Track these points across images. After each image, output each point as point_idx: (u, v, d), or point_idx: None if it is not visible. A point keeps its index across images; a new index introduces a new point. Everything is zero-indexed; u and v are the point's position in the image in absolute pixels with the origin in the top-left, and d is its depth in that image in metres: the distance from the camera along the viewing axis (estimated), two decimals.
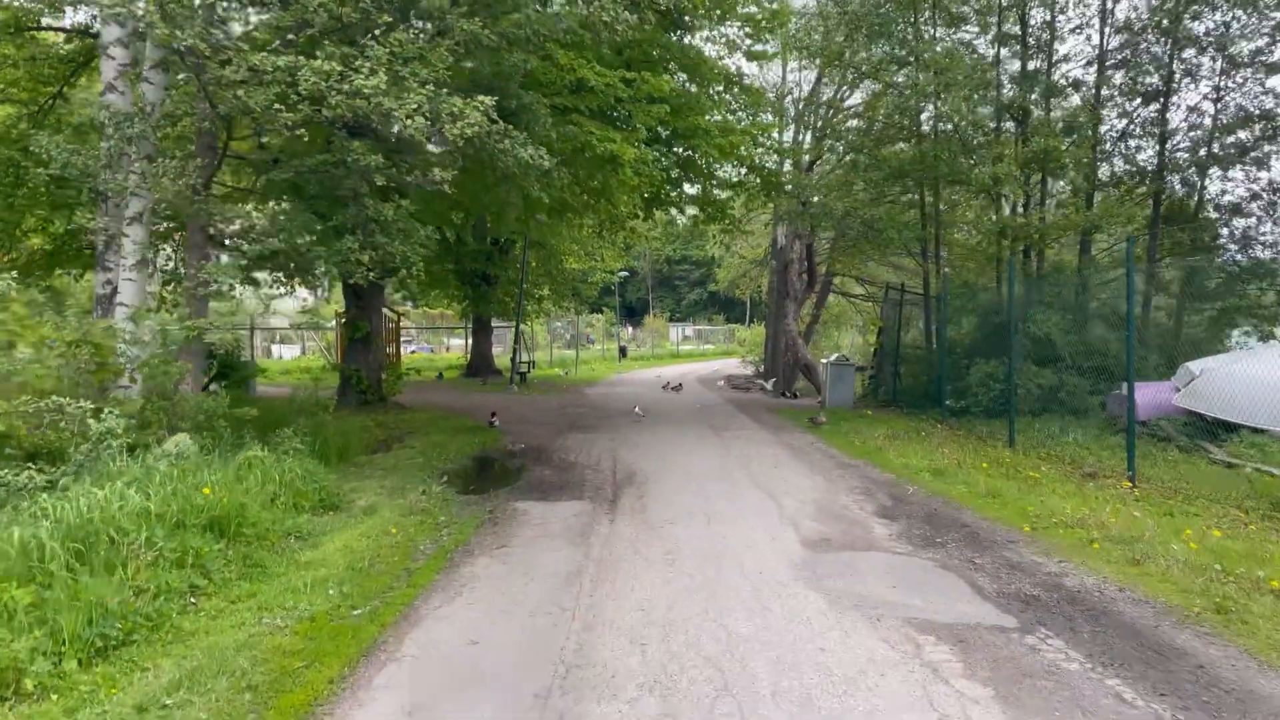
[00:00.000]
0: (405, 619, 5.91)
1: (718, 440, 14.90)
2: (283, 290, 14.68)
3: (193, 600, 6.12)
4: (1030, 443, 13.94)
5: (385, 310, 35.12)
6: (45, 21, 14.60)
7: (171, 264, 13.56)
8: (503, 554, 7.53)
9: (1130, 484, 10.39)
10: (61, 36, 16.20)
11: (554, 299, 33.04)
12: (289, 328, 48.94)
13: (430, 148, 10.75)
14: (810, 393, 31.08)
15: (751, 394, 27.76)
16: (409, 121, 8.90)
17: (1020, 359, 15.96)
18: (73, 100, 16.22)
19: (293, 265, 10.69)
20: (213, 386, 18.45)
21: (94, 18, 13.68)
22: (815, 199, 19.63)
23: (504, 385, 27.07)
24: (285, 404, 13.57)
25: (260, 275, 12.52)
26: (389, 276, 13.46)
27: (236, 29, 11.28)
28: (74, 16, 15.74)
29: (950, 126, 19.91)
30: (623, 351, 49.03)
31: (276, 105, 9.10)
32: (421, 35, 9.81)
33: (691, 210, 21.58)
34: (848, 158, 21.84)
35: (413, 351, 51.41)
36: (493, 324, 33.55)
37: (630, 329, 70.43)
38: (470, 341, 34.20)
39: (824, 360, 22.50)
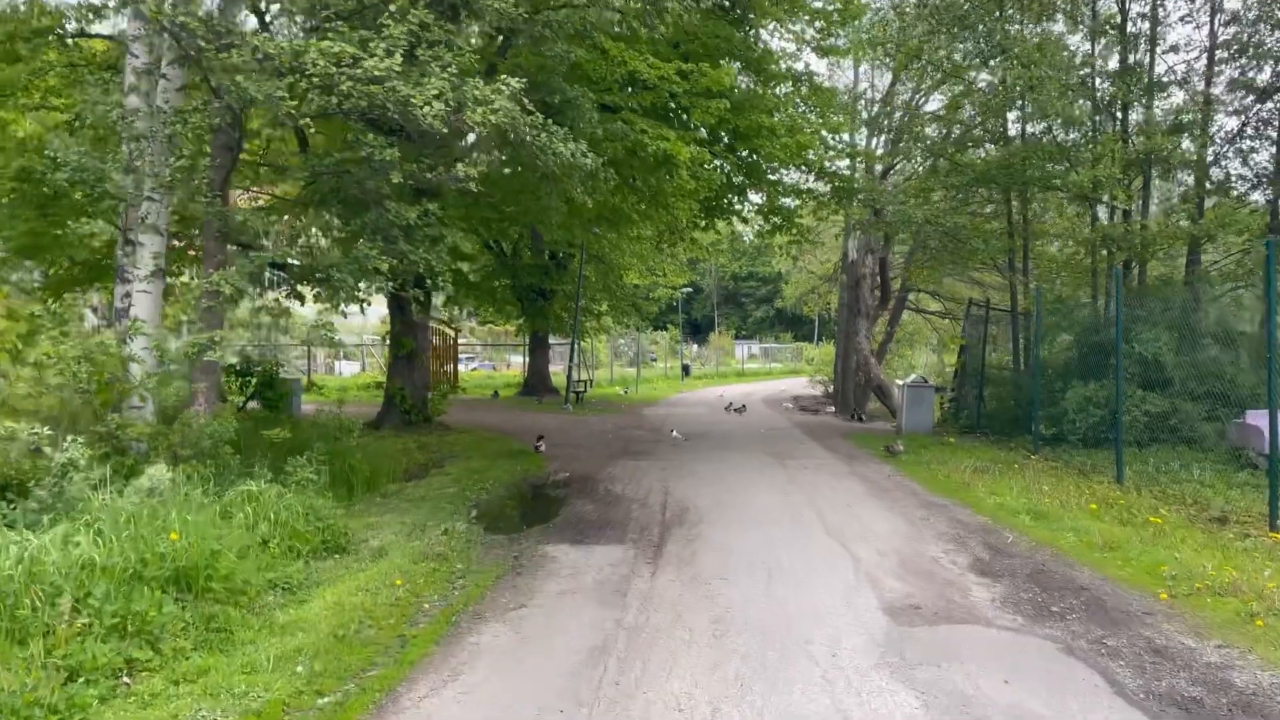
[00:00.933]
0: (377, 715, 4.65)
1: (783, 471, 13.45)
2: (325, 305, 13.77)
3: (126, 681, 4.95)
4: (1141, 479, 12.23)
5: (440, 326, 34.48)
6: (82, 27, 13.91)
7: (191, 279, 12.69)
8: (518, 618, 6.24)
9: (1278, 535, 8.70)
10: (101, 44, 15.58)
11: (613, 315, 31.83)
12: (351, 345, 48.74)
13: (461, 143, 9.63)
14: (882, 415, 29.37)
15: (820, 416, 26.19)
16: (426, 109, 7.74)
17: (1123, 382, 14.24)
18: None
19: (306, 274, 9.61)
20: (251, 405, 17.71)
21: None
22: (891, 207, 18.08)
23: (560, 404, 25.93)
24: (322, 425, 12.48)
25: (281, 287, 11.46)
26: (415, 287, 12.31)
27: (251, 21, 10.36)
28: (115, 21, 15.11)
29: (1041, 127, 18.24)
30: (685, 370, 47.71)
31: (281, 93, 8.04)
32: (446, 16, 8.67)
33: (756, 220, 20.21)
34: (926, 163, 20.25)
35: (473, 369, 50.80)
36: (550, 341, 32.50)
37: (695, 346, 69.10)
38: (527, 359, 33.19)
39: (900, 381, 20.86)
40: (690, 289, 61.88)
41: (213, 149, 10.61)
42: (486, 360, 55.12)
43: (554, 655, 5.47)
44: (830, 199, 18.92)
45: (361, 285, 9.14)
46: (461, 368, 50.02)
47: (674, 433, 18.38)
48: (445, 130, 8.12)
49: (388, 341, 20.42)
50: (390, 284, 9.14)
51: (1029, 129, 19.06)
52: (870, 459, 15.12)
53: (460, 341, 55.16)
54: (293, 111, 8.06)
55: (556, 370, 36.70)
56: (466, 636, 5.85)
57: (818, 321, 71.82)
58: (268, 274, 10.98)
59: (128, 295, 10.75)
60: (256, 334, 49.03)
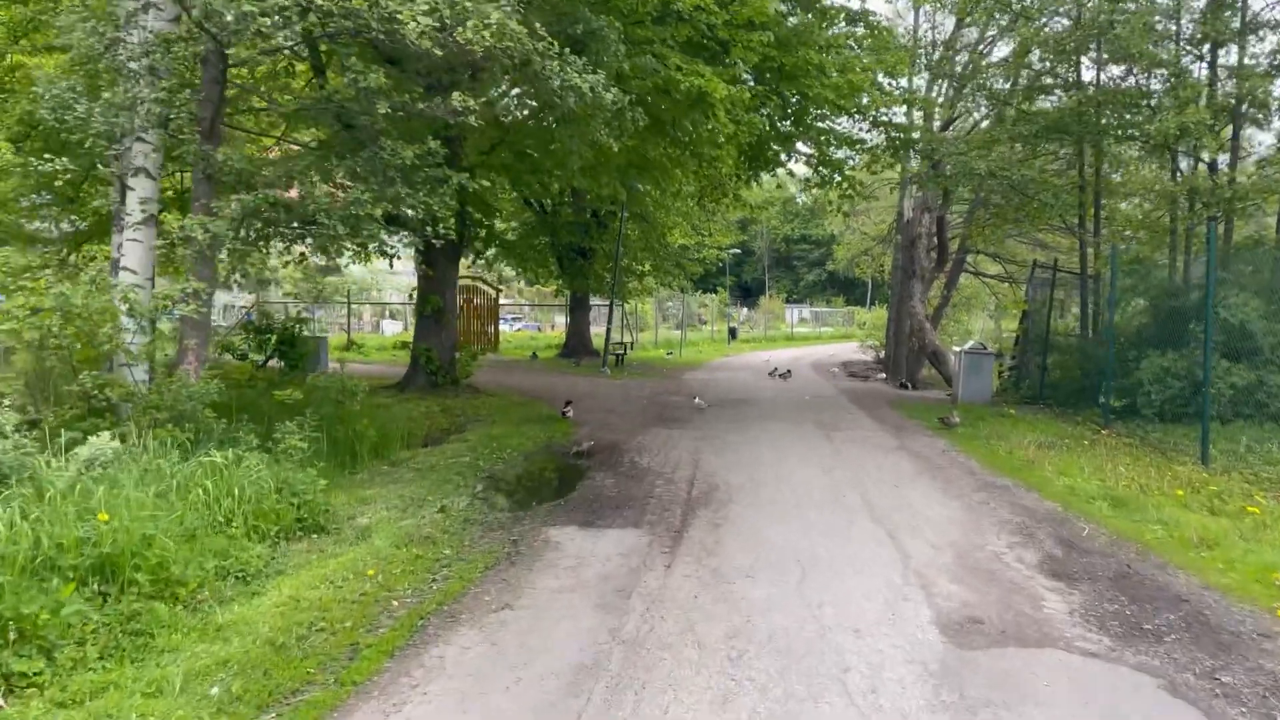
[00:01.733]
0: None
1: (827, 444, 12.32)
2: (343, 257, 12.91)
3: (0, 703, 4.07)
4: (1229, 459, 10.91)
5: (480, 284, 33.65)
6: None
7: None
8: (498, 623, 5.27)
9: None
10: None
11: (656, 275, 30.66)
12: (396, 303, 48.27)
13: (467, 75, 8.56)
14: (935, 383, 27.96)
15: (870, 383, 24.91)
16: (413, 25, 6.68)
17: (1211, 352, 12.84)
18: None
19: (293, 220, 8.65)
20: (272, 364, 16.99)
21: None
22: (952, 159, 16.62)
23: (598, 368, 24.95)
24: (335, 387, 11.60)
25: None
26: (414, 233, 11.34)
27: None
28: None
29: (1119, 71, 16.63)
30: (732, 333, 46.48)
31: (250, 6, 7.03)
32: None
33: (804, 173, 18.87)
34: (992, 113, 18.69)
35: (518, 329, 50.07)
36: (593, 302, 31.49)
37: (744, 310, 67.67)
38: (567, 320, 32.24)
39: (957, 348, 19.49)
40: (739, 250, 60.37)
41: (202, 83, 9.68)
42: (532, 321, 54.40)
43: (529, 678, 4.49)
44: (885, 150, 17.49)
45: (335, 229, 8.11)
46: (506, 328, 49.43)
47: (697, 399, 17.31)
48: (439, 53, 7.04)
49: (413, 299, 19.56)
50: (382, 230, 8.12)
51: (1103, 75, 17.46)
52: (922, 431, 13.90)
53: (506, 302, 54.72)
54: (264, 28, 7.05)
55: (599, 332, 35.74)
56: (430, 647, 4.89)
57: (870, 285, 69.97)
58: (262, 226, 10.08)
59: (121, 245, 9.96)
60: (298, 289, 48.96)
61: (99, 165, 11.06)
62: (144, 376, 9.46)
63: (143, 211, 9.73)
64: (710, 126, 10.96)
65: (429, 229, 9.29)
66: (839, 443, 12.41)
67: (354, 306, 47.02)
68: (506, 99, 8.74)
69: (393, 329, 44.95)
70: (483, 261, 30.81)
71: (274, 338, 16.23)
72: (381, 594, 5.74)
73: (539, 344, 35.45)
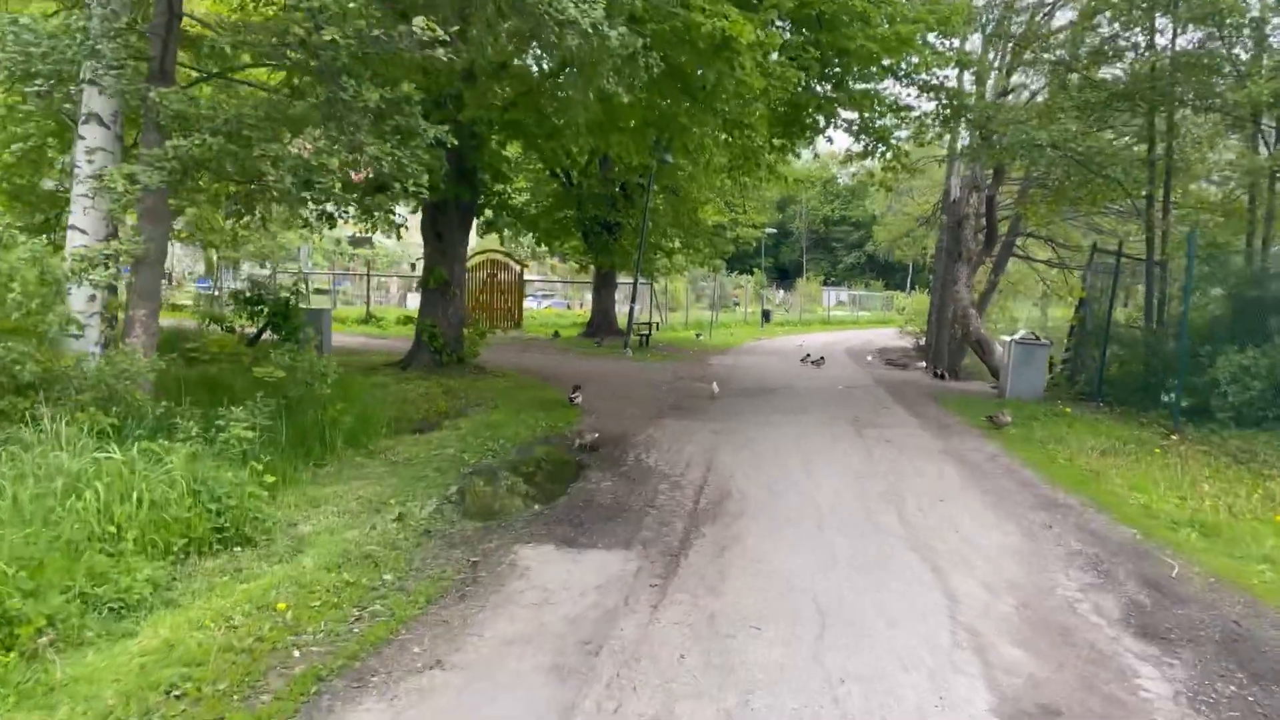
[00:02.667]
0: None
1: (860, 444, 10.94)
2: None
3: None
4: None
5: (504, 258, 32.44)
6: None
7: None
8: (419, 690, 4.02)
9: None
10: None
11: (686, 252, 29.23)
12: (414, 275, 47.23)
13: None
14: (978, 373, 26.37)
15: (909, 373, 23.42)
16: None
17: None
18: None
19: (237, 172, 7.43)
20: (266, 337, 15.90)
21: None
22: (1011, 129, 15.03)
23: (620, 348, 23.66)
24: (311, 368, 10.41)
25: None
26: (381, 194, 10.11)
27: None
28: None
29: (1199, 36, 14.95)
30: (766, 315, 44.96)
31: None
32: None
33: (844, 144, 17.37)
34: (1051, 81, 17.04)
35: (547, 306, 48.91)
36: (620, 279, 30.18)
37: (781, 291, 66.01)
38: (592, 297, 30.97)
39: (1006, 338, 17.96)
40: (776, 231, 58.64)
41: (155, 13, 8.47)
42: (563, 298, 53.21)
43: None
44: (935, 120, 15.94)
45: (284, 181, 6.84)
46: (534, 304, 48.30)
47: (714, 386, 16.00)
48: None
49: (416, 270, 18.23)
50: (335, 185, 6.85)
51: (1180, 39, 15.78)
52: (969, 431, 12.47)
53: (536, 278, 53.55)
54: None
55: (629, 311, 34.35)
56: None
57: (910, 269, 68.09)
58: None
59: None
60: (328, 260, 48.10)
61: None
62: (94, 350, 8.37)
63: (90, 163, 8.56)
64: (736, 79, 9.57)
65: (398, 185, 7.95)
66: (874, 443, 11.03)
67: (382, 280, 46.18)
68: (495, 32, 7.41)
69: (417, 303, 43.94)
70: (507, 234, 29.67)
71: (266, 310, 15.11)
72: (284, 638, 4.52)
73: (565, 321, 34.27)
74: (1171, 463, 10.23)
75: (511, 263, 31.72)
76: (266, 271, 43.82)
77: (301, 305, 17.04)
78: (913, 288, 66.23)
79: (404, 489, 7.78)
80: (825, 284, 70.31)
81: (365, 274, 37.27)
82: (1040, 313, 43.00)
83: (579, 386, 13.61)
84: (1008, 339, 17.64)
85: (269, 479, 7.27)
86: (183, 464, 6.12)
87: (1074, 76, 16.15)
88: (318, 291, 43.82)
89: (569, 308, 48.02)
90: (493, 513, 7.31)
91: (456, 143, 8.13)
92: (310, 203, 7.48)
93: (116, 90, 8.22)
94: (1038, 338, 17.37)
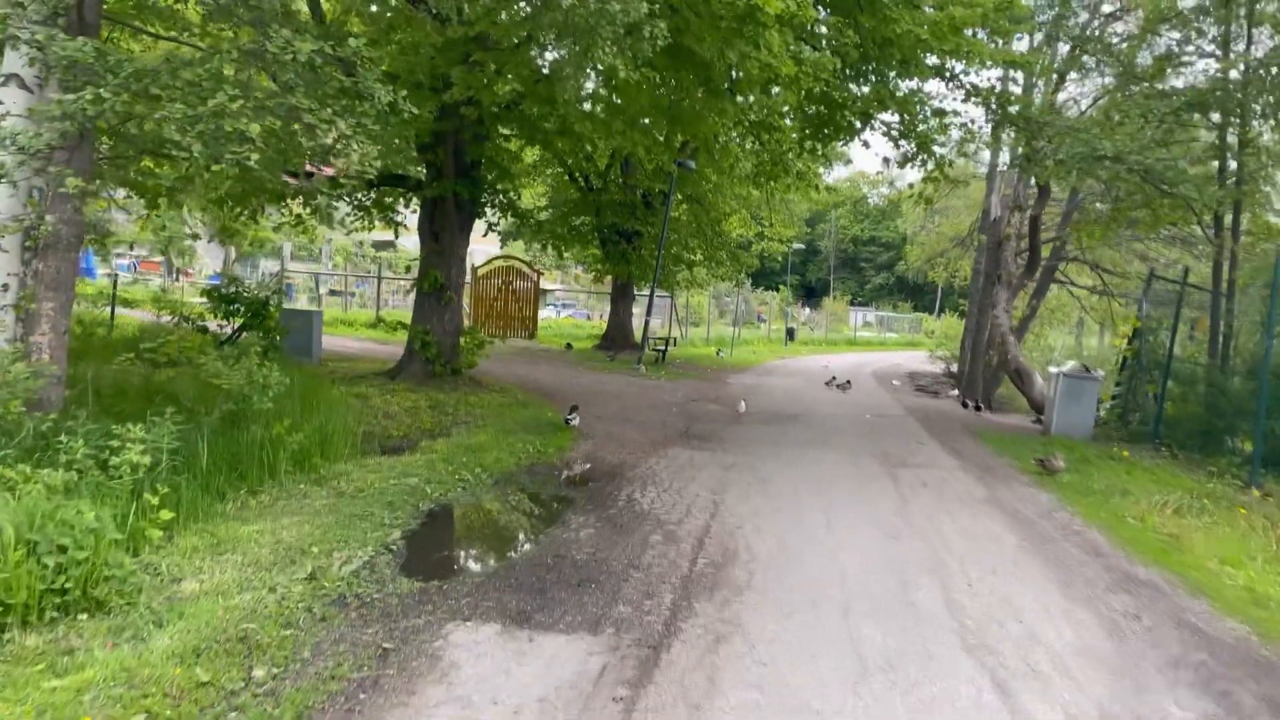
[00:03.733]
0: None
1: (892, 489, 9.44)
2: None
3: None
4: None
5: (519, 264, 31.14)
6: None
7: None
8: None
9: None
10: None
11: (708, 265, 27.77)
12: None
13: None
14: (1014, 403, 24.74)
15: (941, 401, 21.84)
16: None
17: None
18: None
19: (143, 137, 6.10)
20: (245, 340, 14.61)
21: None
22: (1068, 139, 13.48)
23: (633, 363, 22.22)
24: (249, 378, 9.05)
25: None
26: (315, 183, 8.78)
27: None
28: None
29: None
30: (790, 334, 43.42)
31: None
32: None
33: (882, 152, 15.89)
34: (1113, 87, 15.48)
35: (565, 315, 47.57)
36: (637, 292, 28.79)
37: (806, 310, 64.42)
38: (610, 309, 29.58)
39: (1054, 369, 16.38)
40: (804, 247, 57.12)
41: None
42: (583, 308, 51.89)
43: None
44: (983, 125, 14.42)
45: (194, 155, 5.47)
46: (554, 314, 46.98)
47: (741, 404, 14.61)
48: None
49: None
50: (251, 158, 5.47)
51: (1254, 48, 14.23)
52: (1016, 476, 10.93)
53: (556, 287, 52.26)
54: None
55: (654, 323, 32.84)
56: None
57: (939, 292, 66.32)
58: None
59: None
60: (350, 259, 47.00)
61: None
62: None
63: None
64: (761, 62, 8.15)
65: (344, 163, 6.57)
66: (908, 488, 9.52)
67: (402, 283, 45.03)
68: None
69: None
70: (522, 241, 28.38)
71: (242, 310, 13.84)
72: None
73: (581, 333, 32.90)
74: (1258, 524, 8.68)
75: (528, 270, 30.47)
76: (274, 267, 42.97)
77: (294, 307, 15.88)
78: (942, 311, 64.44)
79: (338, 531, 6.39)
80: (852, 304, 68.61)
81: (376, 276, 36.06)
82: (1076, 341, 41.23)
83: (576, 407, 12.20)
84: (1054, 370, 16.07)
85: (164, 516, 5.92)
86: (36, 499, 4.77)
87: (1137, 85, 14.62)
88: (332, 293, 42.83)
89: (589, 318, 46.67)
90: (437, 569, 5.89)
91: (415, 111, 6.74)
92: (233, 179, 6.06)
93: (31, 42, 6.93)
94: (1088, 369, 15.77)
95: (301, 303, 40.22)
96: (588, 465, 9.28)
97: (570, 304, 53.73)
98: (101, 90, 5.58)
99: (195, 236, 16.76)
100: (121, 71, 5.85)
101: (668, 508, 7.89)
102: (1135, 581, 6.64)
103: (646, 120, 10.44)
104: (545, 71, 8.35)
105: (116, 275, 17.89)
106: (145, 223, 15.94)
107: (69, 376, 9.09)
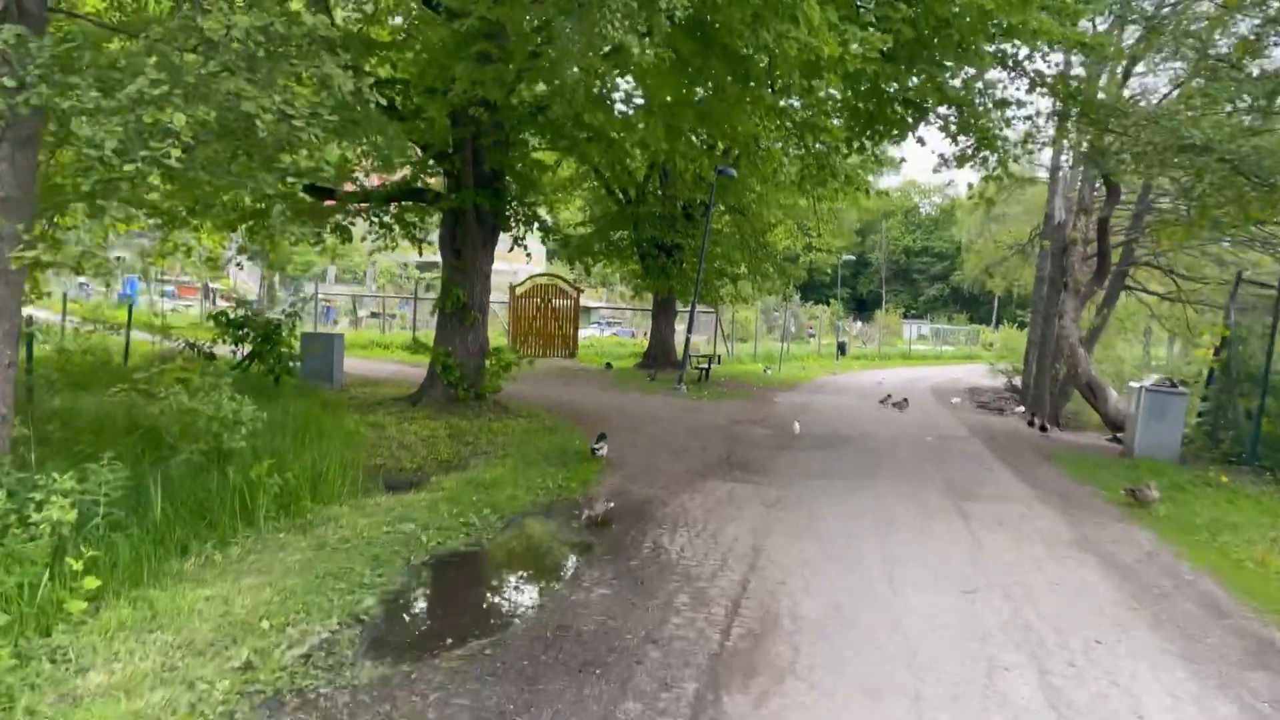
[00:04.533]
0: None
1: (962, 529, 8.19)
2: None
3: None
4: None
5: (557, 281, 30.24)
6: None
7: None
8: None
9: None
10: None
11: (752, 278, 26.57)
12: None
13: None
14: (1081, 417, 23.18)
15: (1005, 418, 20.41)
16: None
17: None
18: None
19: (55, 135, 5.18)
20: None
21: None
22: (1160, 124, 12.10)
23: (674, 383, 21.09)
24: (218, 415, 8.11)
25: None
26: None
27: None
28: None
29: None
30: (841, 349, 41.95)
31: None
32: None
33: (936, 143, 14.62)
34: (1195, 70, 14.05)
35: (610, 334, 46.60)
36: (677, 307, 27.69)
37: (858, 323, 62.74)
38: (651, 326, 28.52)
39: (1133, 383, 14.92)
40: (854, 258, 55.59)
41: None
42: (628, 326, 50.89)
43: None
44: (1050, 117, 13.10)
45: (137, 159, 4.52)
46: (598, 332, 46.03)
47: (795, 425, 13.53)
48: None
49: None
50: (174, 156, 4.49)
51: None
52: (1103, 507, 9.60)
53: (600, 304, 51.35)
54: None
55: (698, 340, 31.69)
56: None
57: (996, 303, 64.26)
58: None
59: None
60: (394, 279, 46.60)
61: None
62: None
63: None
64: (800, 41, 7.06)
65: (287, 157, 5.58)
66: (981, 526, 8.27)
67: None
68: None
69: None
70: (559, 260, 27.52)
71: (251, 335, 13.03)
72: None
73: (623, 351, 31.87)
74: None
75: (568, 288, 29.61)
76: (340, 290, 42.66)
77: (325, 330, 15.08)
78: (1000, 322, 62.39)
79: (304, 596, 5.38)
80: (905, 316, 66.71)
81: (413, 297, 35.46)
82: (1144, 351, 39.16)
83: (604, 435, 11.12)
84: (1134, 385, 14.60)
85: (89, 584, 4.96)
86: None
87: (1212, 71, 13.20)
88: (373, 315, 42.39)
89: (633, 336, 45.63)
90: (411, 649, 4.84)
91: (383, 101, 5.75)
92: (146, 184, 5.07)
93: None
94: (1173, 383, 14.30)
95: (343, 325, 39.87)
96: (610, 504, 8.18)
97: (616, 322, 52.82)
98: (4, 79, 4.67)
99: (213, 258, 15.96)
100: (41, 56, 4.94)
101: (699, 557, 6.77)
102: (1274, 651, 5.35)
103: (679, 120, 9.33)
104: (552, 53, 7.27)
105: (132, 299, 17.24)
106: (159, 245, 15.20)
107: (37, 413, 8.31)
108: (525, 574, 6.50)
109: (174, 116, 4.44)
